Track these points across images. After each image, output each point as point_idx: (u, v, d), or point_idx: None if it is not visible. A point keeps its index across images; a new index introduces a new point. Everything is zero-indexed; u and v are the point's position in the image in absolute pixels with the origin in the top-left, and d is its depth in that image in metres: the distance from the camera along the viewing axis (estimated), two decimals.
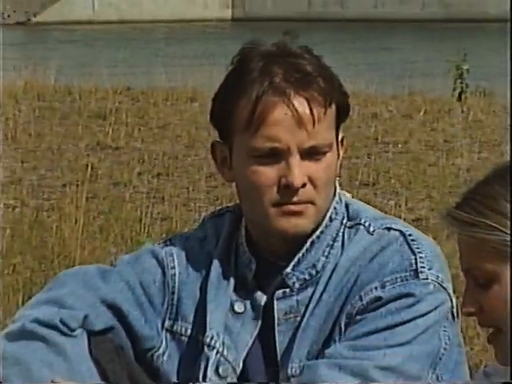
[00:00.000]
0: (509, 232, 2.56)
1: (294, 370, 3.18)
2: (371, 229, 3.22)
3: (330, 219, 3.22)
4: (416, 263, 3.13)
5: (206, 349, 3.24)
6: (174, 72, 17.31)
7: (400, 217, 3.26)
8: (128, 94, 15.48)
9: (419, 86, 16.08)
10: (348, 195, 3.35)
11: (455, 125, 12.79)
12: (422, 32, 44.81)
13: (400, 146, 11.74)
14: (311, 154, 3.12)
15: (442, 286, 3.13)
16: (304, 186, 3.11)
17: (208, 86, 14.68)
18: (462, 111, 13.77)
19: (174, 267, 3.30)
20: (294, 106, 3.09)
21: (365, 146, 10.87)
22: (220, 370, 3.22)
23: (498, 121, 13.09)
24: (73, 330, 3.21)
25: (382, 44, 39.12)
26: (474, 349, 5.59)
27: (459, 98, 15.04)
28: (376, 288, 3.14)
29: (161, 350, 3.29)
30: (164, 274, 3.31)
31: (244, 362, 3.26)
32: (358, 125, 12.58)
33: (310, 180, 3.12)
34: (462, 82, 15.47)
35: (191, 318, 3.28)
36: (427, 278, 3.12)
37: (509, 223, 2.58)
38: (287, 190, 3.10)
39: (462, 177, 9.52)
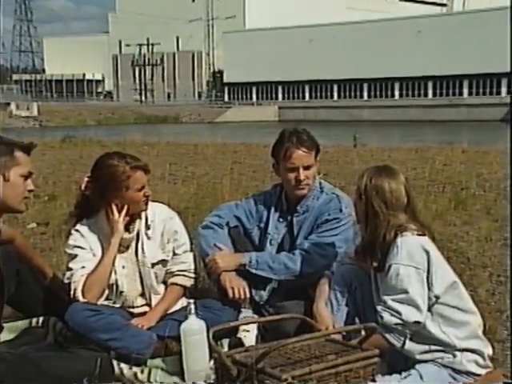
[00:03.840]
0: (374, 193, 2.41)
1: (298, 243, 2.98)
2: (328, 193, 3.03)
3: (313, 189, 2.96)
4: (341, 207, 2.98)
5: (267, 235, 2.99)
6: (260, 139, 17.20)
7: (335, 185, 3.08)
8: (243, 146, 14.99)
9: (342, 142, 15.57)
10: (320, 178, 3.11)
11: (354, 157, 12.26)
12: (338, 125, 44.02)
13: (334, 163, 11.25)
14: (307, 167, 2.95)
15: (350, 214, 2.91)
16: (305, 179, 2.97)
17: (272, 143, 14.47)
18: (356, 152, 13.23)
19: (260, 204, 3.10)
20: (301, 151, 2.96)
21: (322, 162, 10.63)
22: (272, 242, 3.02)
23: (370, 154, 12.69)
24: (222, 226, 2.99)
25: (329, 129, 38.35)
26: None
27: (355, 146, 14.58)
28: (326, 215, 2.98)
29: (254, 233, 3.02)
30: (256, 206, 3.10)
31: (282, 240, 3.03)
32: (322, 155, 12.21)
33: (307, 177, 2.97)
34: (355, 141, 15.13)
35: (264, 221, 3.01)
36: (345, 212, 2.97)
37: (374, 193, 2.41)
38: (299, 181, 2.97)
39: (356, 173, 9.18)
